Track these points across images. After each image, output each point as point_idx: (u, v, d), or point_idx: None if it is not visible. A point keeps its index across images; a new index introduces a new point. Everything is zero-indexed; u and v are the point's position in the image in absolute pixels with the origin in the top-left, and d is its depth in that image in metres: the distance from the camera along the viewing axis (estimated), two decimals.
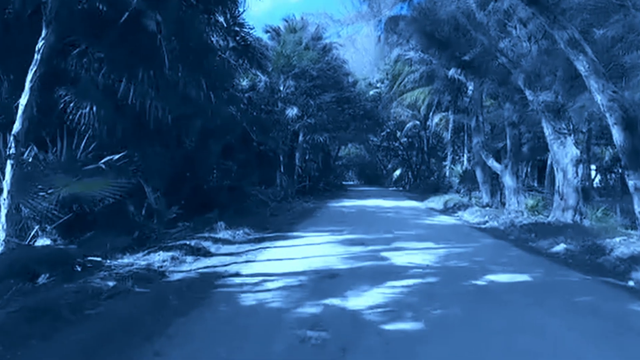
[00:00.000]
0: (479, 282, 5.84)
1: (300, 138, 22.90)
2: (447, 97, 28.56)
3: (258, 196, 17.18)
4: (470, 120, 18.18)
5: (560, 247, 8.83)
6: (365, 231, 10.64)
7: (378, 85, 37.23)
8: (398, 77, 27.68)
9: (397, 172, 42.79)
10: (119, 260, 6.62)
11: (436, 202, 22.05)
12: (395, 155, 42.89)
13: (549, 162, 23.87)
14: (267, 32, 26.49)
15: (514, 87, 13.69)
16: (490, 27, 13.35)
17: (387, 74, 36.09)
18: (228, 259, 7.23)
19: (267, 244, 8.83)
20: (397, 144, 40.26)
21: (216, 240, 8.81)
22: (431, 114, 32.01)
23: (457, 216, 15.64)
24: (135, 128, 11.67)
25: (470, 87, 23.19)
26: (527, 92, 12.70)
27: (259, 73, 22.40)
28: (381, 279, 5.78)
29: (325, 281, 5.70)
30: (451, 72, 24.27)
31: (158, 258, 6.73)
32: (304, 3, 74.31)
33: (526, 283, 5.92)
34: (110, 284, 5.08)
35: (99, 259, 6.60)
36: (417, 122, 34.36)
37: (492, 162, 15.67)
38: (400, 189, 39.87)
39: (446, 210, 17.82)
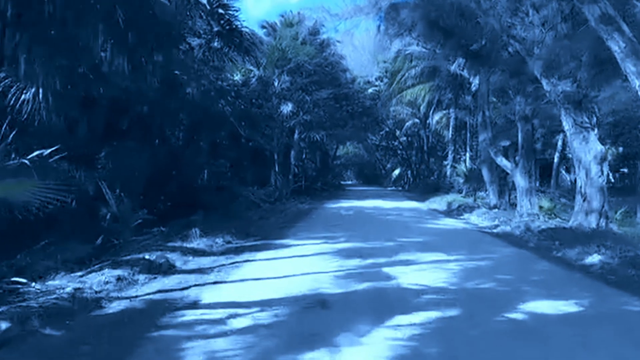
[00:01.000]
0: (515, 315, 4.26)
1: (296, 136, 21.30)
2: (448, 95, 27.05)
3: (249, 197, 15.61)
4: (475, 116, 16.59)
5: (595, 259, 7.26)
6: (363, 238, 9.06)
7: (377, 83, 35.63)
8: (397, 74, 26.04)
9: (396, 172, 41.19)
10: (49, 283, 5.04)
11: (438, 202, 20.48)
12: (394, 155, 41.28)
13: (555, 160, 22.33)
14: (263, 27, 24.95)
15: (528, 77, 12.12)
16: (501, 11, 11.77)
17: (385, 72, 34.48)
18: (193, 278, 5.64)
19: (247, 255, 7.24)
20: (396, 143, 38.66)
21: (187, 252, 7.23)
22: (431, 112, 30.40)
23: (464, 219, 14.06)
24: (102, 120, 10.16)
25: (475, 82, 21.61)
26: (544, 82, 11.11)
27: (252, 67, 20.89)
28: (385, 311, 4.21)
29: (309, 317, 4.11)
30: (454, 67, 22.80)
31: (100, 279, 5.14)
32: (303, 3, 72.55)
33: (578, 316, 4.32)
34: (3, 325, 3.50)
35: (24, 280, 5.02)
36: (417, 121, 32.76)
37: (501, 160, 14.09)
38: (399, 188, 38.28)
39: (450, 212, 16.24)
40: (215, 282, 5.40)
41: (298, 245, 8.22)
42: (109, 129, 10.52)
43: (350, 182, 54.07)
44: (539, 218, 11.66)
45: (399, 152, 39.35)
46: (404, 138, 37.37)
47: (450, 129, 27.34)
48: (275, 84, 20.26)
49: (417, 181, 34.35)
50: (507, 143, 16.07)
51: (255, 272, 6.00)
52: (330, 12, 21.01)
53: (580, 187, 10.51)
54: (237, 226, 10.56)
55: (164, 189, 12.47)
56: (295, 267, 6.28)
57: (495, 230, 11.34)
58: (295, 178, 23.59)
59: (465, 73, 23.07)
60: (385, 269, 6.16)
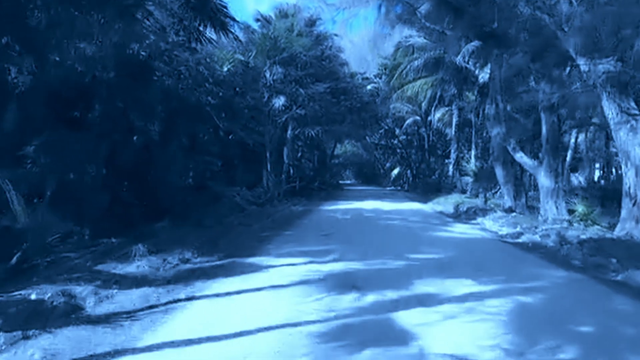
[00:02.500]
0: None
1: (289, 132, 18.99)
2: (452, 90, 24.75)
3: (233, 199, 13.31)
4: (485, 110, 14.28)
5: None
6: (362, 253, 6.76)
7: (375, 80, 33.34)
8: (397, 68, 23.69)
9: (395, 171, 38.86)
10: None
11: (443, 204, 18.17)
12: (393, 154, 38.94)
13: (567, 158, 20.04)
14: (257, 20, 22.66)
15: (557, 58, 9.84)
16: None
17: (384, 69, 32.21)
18: (85, 338, 3.36)
19: (199, 285, 4.95)
20: (395, 142, 36.32)
21: (117, 280, 4.94)
22: (433, 108, 28.09)
23: (478, 224, 11.76)
24: (36, 106, 7.91)
25: (482, 74, 19.34)
26: (581, 62, 8.84)
27: (241, 57, 18.58)
28: None
29: None
30: (459, 58, 20.47)
31: None
32: (302, 2, 69.74)
33: None
34: None
35: None
36: (418, 118, 30.43)
37: (521, 157, 11.79)
38: (399, 188, 35.98)
39: (459, 216, 13.94)
40: (114, 353, 3.10)
41: (275, 266, 5.91)
42: (49, 117, 8.23)
43: (349, 182, 51.75)
44: (572, 225, 9.37)
45: (398, 150, 37.03)
46: (404, 137, 35.05)
47: (453, 126, 25.04)
48: (267, 75, 17.96)
49: (417, 181, 32.06)
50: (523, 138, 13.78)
51: (196, 324, 3.70)
52: (326, 2, 18.78)
53: (629, 188, 8.23)
54: (207, 236, 8.30)
55: (125, 190, 10.21)
56: (260, 311, 3.99)
57: (520, 240, 9.04)
58: (289, 177, 21.30)
59: (470, 66, 20.79)
60: (396, 316, 3.87)
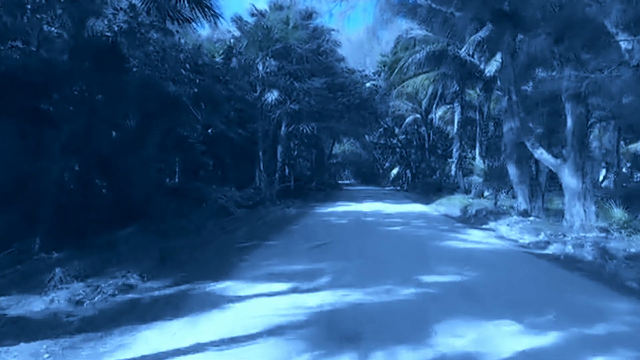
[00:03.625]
0: None
1: (283, 128, 17.30)
2: (454, 86, 23.09)
3: (219, 200, 11.65)
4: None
5: None
6: (361, 277, 5.10)
7: (374, 77, 31.68)
8: (397, 63, 21.95)
9: (395, 171, 37.18)
10: None
11: (447, 205, 16.53)
12: (392, 153, 37.25)
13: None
14: (252, 15, 20.99)
15: (589, 37, 8.19)
16: None
17: (384, 66, 30.54)
18: None
19: (118, 340, 3.27)
20: (394, 141, 34.64)
21: (4, 324, 3.29)
22: (434, 106, 26.44)
23: (492, 230, 10.12)
24: None
25: (493, 63, 17.68)
26: (621, 37, 7.19)
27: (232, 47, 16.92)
28: None
29: None
30: (463, 51, 18.83)
31: None
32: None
33: None
34: None
35: None
36: (418, 116, 28.75)
37: (542, 154, 10.12)
38: (398, 188, 34.33)
39: (468, 219, 12.29)
40: None
41: (244, 298, 4.24)
42: None
43: (347, 182, 50.09)
44: (610, 234, 7.71)
45: (397, 150, 35.36)
46: (403, 136, 33.37)
47: (456, 123, 23.33)
48: (259, 68, 16.32)
49: (417, 181, 30.40)
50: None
51: None
52: None
53: None
54: (176, 247, 6.65)
55: (88, 191, 8.56)
56: None
57: (548, 252, 7.38)
58: (284, 177, 19.65)
59: (475, 60, 19.17)
60: None
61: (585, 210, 9.08)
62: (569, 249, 7.36)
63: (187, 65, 9.24)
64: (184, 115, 9.61)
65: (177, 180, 14.25)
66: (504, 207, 12.65)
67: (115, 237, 7.36)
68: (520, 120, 11.86)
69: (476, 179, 13.98)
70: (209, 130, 11.49)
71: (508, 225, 10.29)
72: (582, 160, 9.20)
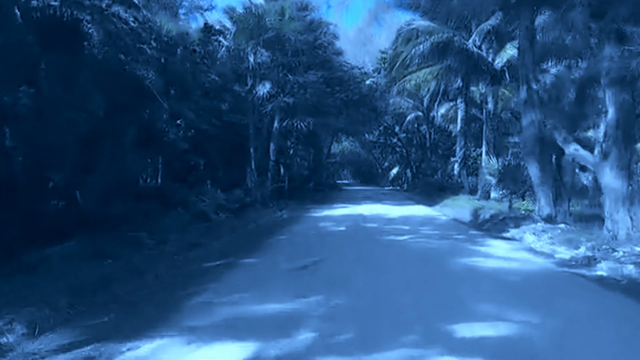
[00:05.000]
0: None
1: (275, 124, 15.46)
2: (457, 83, 21.30)
3: (197, 204, 9.83)
4: (519, 92, 10.72)
5: None
6: (364, 329, 3.28)
7: (374, 75, 29.82)
8: (398, 58, 20.06)
9: (394, 171, 35.31)
10: None
11: (454, 208, 14.71)
12: (392, 152, 35.39)
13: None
14: (246, 9, 19.14)
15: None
16: None
17: (383, 62, 28.69)
18: None
19: None
20: (394, 140, 32.79)
21: None
22: (437, 103, 24.62)
23: (515, 240, 8.30)
24: None
25: (498, 59, 15.85)
26: None
27: (221, 39, 15.10)
28: None
29: None
30: (470, 42, 17.01)
31: None
32: None
33: None
34: None
35: None
36: (419, 114, 26.93)
37: (576, 150, 8.30)
38: (397, 188, 32.49)
39: (482, 225, 10.47)
40: None
41: None
42: None
43: (346, 182, 48.26)
44: None
45: (397, 149, 33.52)
46: (403, 135, 31.51)
47: (459, 121, 21.50)
48: (250, 59, 14.48)
49: (417, 181, 28.55)
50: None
51: None
52: None
53: None
54: (107, 275, 4.84)
55: (28, 195, 6.76)
56: None
57: (601, 273, 5.55)
58: (279, 177, 17.83)
59: (483, 52, 17.34)
60: None
61: (632, 217, 7.26)
62: (629, 269, 5.55)
63: (153, 43, 7.43)
64: (151, 104, 7.80)
65: (159, 181, 12.41)
66: (522, 212, 10.83)
67: (48, 254, 5.57)
68: (542, 113, 10.06)
69: (489, 179, 12.12)
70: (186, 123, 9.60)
71: (534, 233, 8.46)
72: (628, 156, 7.38)
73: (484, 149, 18.31)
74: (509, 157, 14.56)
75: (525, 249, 7.21)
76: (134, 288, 4.39)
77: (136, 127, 8.27)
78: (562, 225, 8.72)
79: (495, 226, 9.98)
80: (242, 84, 15.02)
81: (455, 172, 22.47)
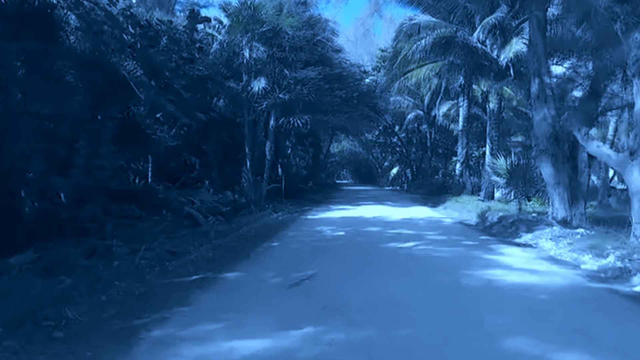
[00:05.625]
0: None
1: (272, 122, 14.56)
2: (459, 80, 20.43)
3: (182, 208, 8.95)
4: (530, 86, 9.84)
5: None
6: None
7: (374, 73, 28.97)
8: (398, 56, 19.15)
9: (394, 171, 34.42)
10: None
11: (458, 209, 13.89)
12: (392, 152, 34.50)
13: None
14: (241, 3, 18.27)
15: None
16: None
17: (383, 61, 27.83)
18: None
19: None
20: (394, 140, 31.90)
21: None
22: (437, 102, 23.76)
23: (530, 246, 7.43)
24: None
25: (503, 55, 14.96)
26: None
27: (214, 32, 14.26)
28: None
29: None
30: (475, 35, 16.14)
31: None
32: None
33: None
34: None
35: None
36: (420, 112, 26.06)
37: (599, 147, 7.47)
38: (398, 188, 31.62)
39: (491, 228, 9.61)
40: None
41: None
42: None
43: (345, 182, 47.39)
44: None
45: (397, 149, 32.65)
46: (404, 134, 30.63)
47: (461, 119, 20.60)
48: (245, 53, 13.60)
49: (417, 181, 27.68)
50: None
51: None
52: None
53: None
54: (58, 293, 3.97)
55: None
56: None
57: (639, 289, 4.71)
58: (275, 177, 16.95)
59: (487, 48, 16.45)
60: None
61: None
62: None
63: (132, 30, 6.56)
64: (131, 97, 6.92)
65: (149, 182, 11.54)
66: (533, 214, 9.96)
67: None
68: (556, 108, 9.20)
69: (496, 180, 11.25)
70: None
71: (551, 239, 7.61)
72: None
73: (487, 148, 17.46)
74: (513, 156, 13.70)
75: (545, 258, 6.34)
76: (88, 309, 3.53)
77: (116, 123, 7.39)
78: (582, 230, 7.85)
79: (505, 230, 9.12)
80: (237, 80, 14.16)
81: (457, 172, 21.61)
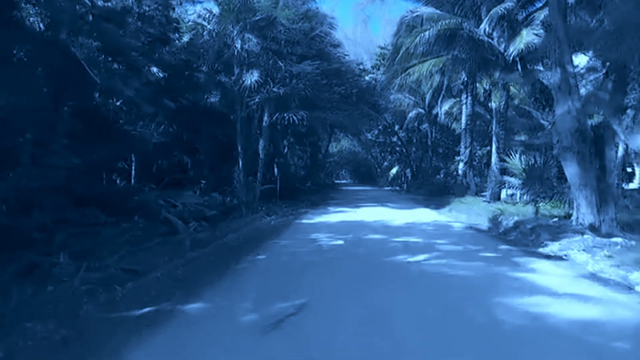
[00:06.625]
0: None
1: (265, 118, 13.29)
2: (463, 77, 19.22)
3: (162, 212, 7.69)
4: (551, 76, 8.62)
5: None
6: None
7: (373, 71, 27.76)
8: (399, 51, 17.88)
9: (394, 171, 33.14)
10: None
11: (465, 212, 12.62)
12: (391, 152, 33.23)
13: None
14: None
15: None
16: None
17: (383, 59, 26.61)
18: None
19: None
20: (394, 139, 30.64)
21: None
22: (439, 100, 22.52)
23: (559, 257, 6.18)
24: None
25: (510, 49, 13.71)
26: None
27: (203, 22, 12.99)
28: None
29: None
30: (482, 28, 14.90)
31: None
32: None
33: None
34: None
35: None
36: (421, 111, 24.81)
37: (637, 141, 6.21)
38: (397, 188, 30.36)
39: (507, 235, 8.36)
40: None
41: None
42: None
43: (344, 182, 46.15)
44: None
45: (397, 148, 31.39)
46: (403, 134, 29.37)
47: (464, 117, 19.36)
48: (237, 44, 12.34)
49: (417, 181, 26.43)
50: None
51: None
52: None
53: None
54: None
55: None
56: None
57: None
58: (270, 177, 15.70)
59: (493, 41, 15.21)
60: None
61: None
62: None
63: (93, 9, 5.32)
64: (89, 84, 5.66)
65: (132, 183, 10.30)
66: (554, 219, 8.70)
67: None
68: (581, 99, 7.97)
69: (509, 180, 10.00)
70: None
71: (584, 250, 6.35)
72: None
73: (493, 146, 16.24)
74: (516, 155, 12.48)
75: (587, 277, 5.08)
76: None
77: (74, 113, 6.12)
78: (620, 240, 6.60)
79: (525, 237, 7.86)
80: (229, 74, 12.93)
81: (460, 171, 20.37)
